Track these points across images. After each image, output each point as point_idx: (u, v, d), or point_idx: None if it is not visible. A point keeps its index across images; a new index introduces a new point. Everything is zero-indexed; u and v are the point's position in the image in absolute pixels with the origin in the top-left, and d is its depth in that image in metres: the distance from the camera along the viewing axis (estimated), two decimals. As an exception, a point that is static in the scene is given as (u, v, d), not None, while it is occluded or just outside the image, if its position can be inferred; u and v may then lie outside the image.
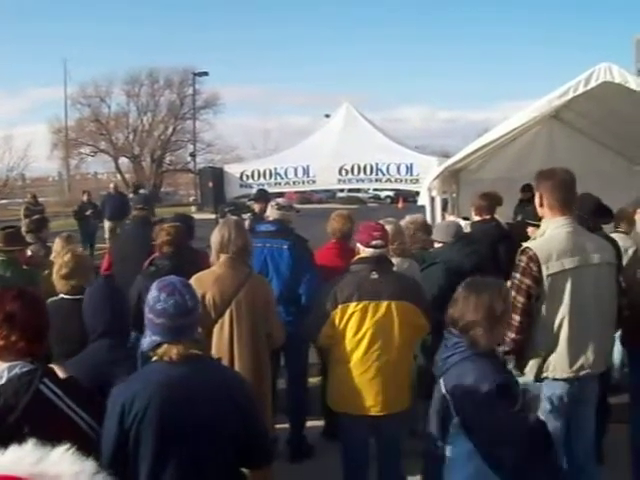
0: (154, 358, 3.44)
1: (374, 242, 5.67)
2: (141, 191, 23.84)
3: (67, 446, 1.54)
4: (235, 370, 4.08)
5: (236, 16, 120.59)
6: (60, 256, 5.63)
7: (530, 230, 6.59)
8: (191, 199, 60.44)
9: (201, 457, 3.36)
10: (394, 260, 6.43)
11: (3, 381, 3.11)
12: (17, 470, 1.52)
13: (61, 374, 3.51)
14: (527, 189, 12.51)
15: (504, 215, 9.88)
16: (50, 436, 2.98)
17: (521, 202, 12.58)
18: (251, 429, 3.52)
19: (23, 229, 13.88)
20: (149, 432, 3.25)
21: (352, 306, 5.47)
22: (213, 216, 13.81)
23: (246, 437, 3.49)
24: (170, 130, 71.48)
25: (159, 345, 3.42)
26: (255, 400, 3.77)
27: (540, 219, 5.28)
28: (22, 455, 1.57)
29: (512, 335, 4.88)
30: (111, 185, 27.64)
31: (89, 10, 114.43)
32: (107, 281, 4.78)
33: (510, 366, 5.16)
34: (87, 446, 3.22)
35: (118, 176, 70.11)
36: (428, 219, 10.77)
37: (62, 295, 5.22)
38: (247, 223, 10.60)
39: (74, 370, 3.96)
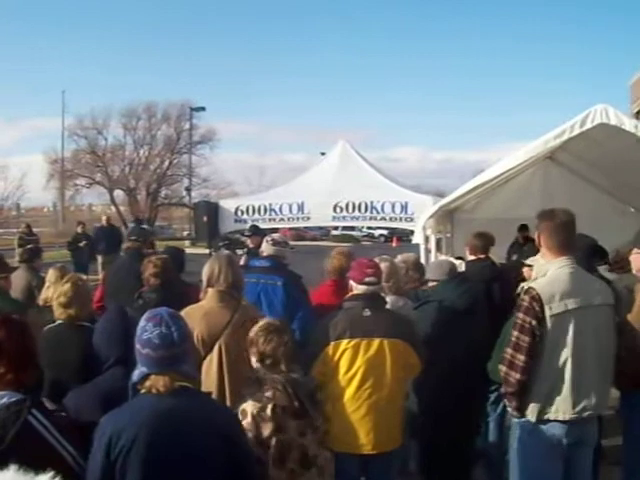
0: (142, 390, 3.41)
1: (367, 279, 5.65)
2: (143, 226, 23.72)
3: (51, 475, 1.45)
4: (222, 403, 4.05)
5: (233, 48, 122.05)
6: (59, 284, 5.59)
7: (525, 270, 6.57)
8: (185, 233, 60.63)
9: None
10: (389, 298, 6.41)
11: (-9, 411, 3.06)
12: None
13: (49, 406, 3.47)
14: (523, 229, 12.57)
15: (497, 255, 9.86)
16: (36, 468, 2.97)
17: (515, 242, 12.61)
18: (240, 461, 3.49)
19: (16, 259, 13.93)
20: (136, 464, 3.21)
21: (344, 343, 5.43)
22: (207, 251, 13.83)
23: (234, 468, 3.45)
24: (166, 164, 71.70)
25: (147, 376, 3.39)
26: (243, 431, 3.75)
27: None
28: None
29: (517, 376, 4.85)
30: (103, 218, 27.55)
31: (88, 40, 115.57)
32: (120, 309, 4.74)
33: (510, 408, 5.13)
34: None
35: (113, 208, 70.22)
36: (422, 258, 10.77)
37: (59, 321, 5.19)
38: (243, 259, 10.64)
39: (83, 397, 3.95)
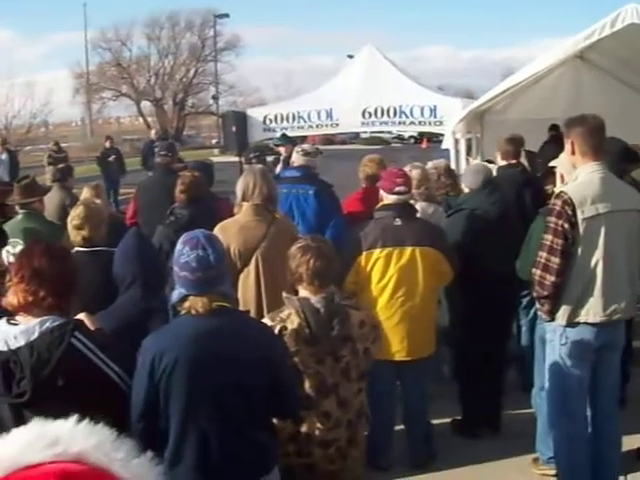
0: (182, 312, 3.49)
1: (397, 188, 5.67)
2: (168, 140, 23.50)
3: (76, 417, 1.43)
4: (263, 322, 4.10)
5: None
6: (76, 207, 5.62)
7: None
8: (214, 142, 60.39)
9: (231, 410, 3.40)
10: (419, 205, 6.44)
11: (35, 335, 3.14)
12: (33, 458, 1.27)
13: (91, 326, 3.56)
14: (554, 129, 12.39)
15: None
16: (84, 388, 3.08)
17: (545, 145, 12.43)
18: (280, 381, 3.55)
19: (48, 177, 14.01)
20: (178, 385, 3.30)
21: (376, 253, 5.49)
22: (236, 159, 13.83)
23: (275, 389, 3.52)
24: (192, 73, 71.18)
25: (186, 298, 3.47)
26: (284, 352, 3.80)
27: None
28: (31, 440, 1.31)
29: (552, 278, 4.88)
30: (152, 132, 27.10)
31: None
32: (137, 232, 4.80)
33: (541, 312, 5.17)
34: (120, 397, 3.31)
35: (140, 120, 70.09)
36: (452, 162, 10.71)
37: (76, 248, 5.26)
38: (279, 167, 10.70)
39: (107, 321, 4.03)
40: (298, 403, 3.80)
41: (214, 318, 3.42)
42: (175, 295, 3.53)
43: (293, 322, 4.02)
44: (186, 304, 3.45)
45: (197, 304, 3.42)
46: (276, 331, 3.93)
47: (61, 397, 2.98)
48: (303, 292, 4.17)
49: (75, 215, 5.27)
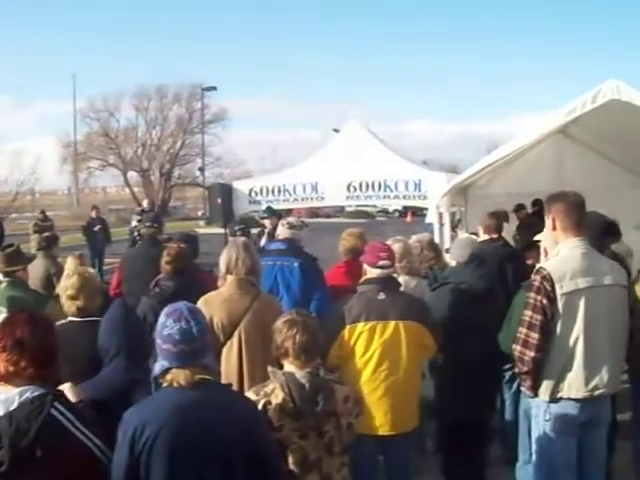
0: (164, 384, 3.47)
1: (381, 262, 5.70)
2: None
3: None
4: (244, 395, 4.07)
5: (244, 27, 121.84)
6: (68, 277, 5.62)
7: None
8: (199, 213, 60.68)
9: (212, 482, 3.38)
10: (402, 279, 6.45)
11: (15, 406, 3.12)
12: None
13: (72, 398, 3.54)
14: (537, 203, 12.55)
15: (509, 231, 9.93)
16: (62, 460, 3.05)
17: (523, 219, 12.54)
18: (263, 456, 3.52)
19: (33, 245, 14.00)
20: (160, 458, 3.27)
21: (360, 326, 5.49)
22: (222, 230, 13.89)
23: (258, 464, 3.48)
24: (179, 144, 71.74)
25: (168, 370, 3.46)
26: (267, 427, 3.78)
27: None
28: None
29: (531, 354, 4.90)
30: (145, 202, 27.35)
31: (99, 23, 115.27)
32: (122, 303, 4.79)
33: (524, 388, 5.18)
34: (99, 470, 3.27)
35: (127, 190, 70.34)
36: (436, 236, 10.79)
37: (70, 318, 5.24)
38: (263, 240, 10.77)
39: (91, 391, 4.00)
40: (278, 476, 3.74)
41: (196, 391, 3.41)
42: (157, 367, 3.52)
43: (277, 397, 3.99)
44: (168, 376, 3.44)
45: (179, 377, 3.41)
46: (260, 406, 3.91)
47: (39, 468, 2.98)
48: (289, 367, 4.15)
49: (69, 285, 5.26)
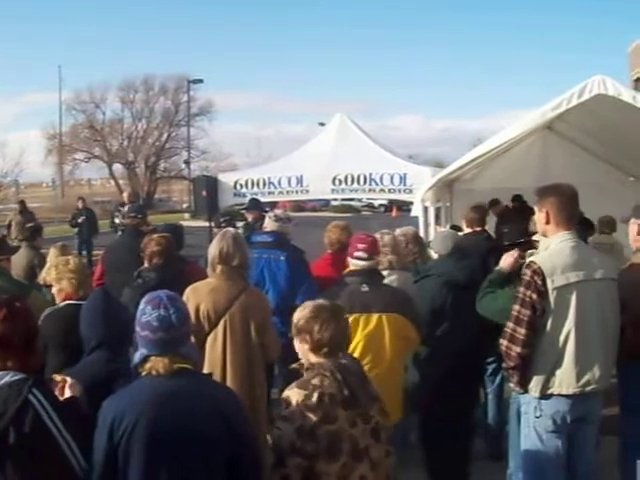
0: (143, 373, 3.45)
1: (356, 253, 5.70)
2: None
3: None
4: (224, 383, 4.04)
5: (232, 20, 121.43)
6: (66, 263, 5.56)
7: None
8: (184, 206, 60.59)
9: (191, 471, 3.35)
10: (387, 272, 6.43)
11: (-7, 389, 3.12)
12: None
13: (73, 393, 3.53)
14: (517, 199, 12.57)
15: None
16: (31, 448, 3.04)
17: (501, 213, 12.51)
18: (241, 442, 3.50)
19: (14, 235, 13.93)
20: (138, 446, 3.25)
21: (343, 318, 5.46)
22: (207, 224, 13.84)
23: (236, 450, 3.47)
24: (164, 137, 71.68)
25: (147, 358, 3.44)
26: (244, 412, 3.75)
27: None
28: None
29: (517, 349, 4.83)
30: (124, 194, 27.04)
31: (85, 14, 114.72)
32: (103, 292, 4.75)
33: (512, 383, 5.13)
34: (65, 467, 3.24)
35: (112, 182, 70.15)
36: (421, 230, 10.78)
37: (67, 301, 5.22)
38: (241, 232, 10.66)
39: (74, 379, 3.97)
40: (258, 466, 3.64)
41: (174, 379, 3.39)
42: (137, 356, 3.50)
43: (331, 386, 3.81)
44: (147, 365, 3.42)
45: (158, 365, 3.40)
46: (314, 399, 3.73)
47: (10, 454, 3.00)
48: (318, 358, 3.95)
49: (72, 267, 5.37)
